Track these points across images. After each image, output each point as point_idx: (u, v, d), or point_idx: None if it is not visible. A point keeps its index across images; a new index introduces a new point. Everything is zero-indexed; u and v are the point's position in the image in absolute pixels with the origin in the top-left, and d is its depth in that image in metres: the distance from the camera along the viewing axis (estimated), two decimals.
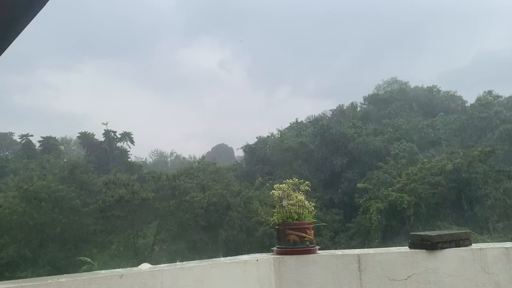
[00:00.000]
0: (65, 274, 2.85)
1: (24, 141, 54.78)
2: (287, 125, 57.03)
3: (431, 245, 3.55)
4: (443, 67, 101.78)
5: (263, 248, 25.63)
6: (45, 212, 31.10)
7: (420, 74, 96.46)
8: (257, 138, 51.24)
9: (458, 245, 3.63)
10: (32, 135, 54.32)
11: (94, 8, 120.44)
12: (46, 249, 30.29)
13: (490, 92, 47.72)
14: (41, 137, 54.00)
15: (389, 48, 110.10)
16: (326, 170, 41.74)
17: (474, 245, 3.72)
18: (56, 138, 57.86)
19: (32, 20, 2.64)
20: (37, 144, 54.21)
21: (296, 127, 56.02)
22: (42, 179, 33.72)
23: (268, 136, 51.89)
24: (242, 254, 4.15)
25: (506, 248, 3.62)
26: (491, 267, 3.56)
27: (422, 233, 3.69)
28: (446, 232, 3.74)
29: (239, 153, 59.33)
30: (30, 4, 2.48)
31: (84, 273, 2.97)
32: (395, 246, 4.01)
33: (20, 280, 2.71)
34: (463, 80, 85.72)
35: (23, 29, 2.72)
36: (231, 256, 3.86)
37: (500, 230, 27.12)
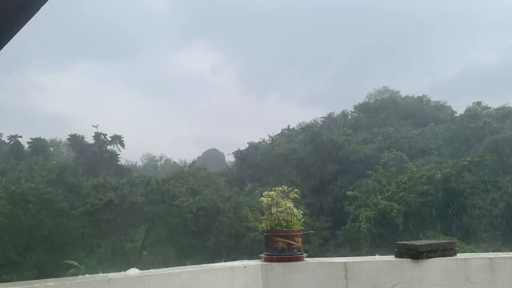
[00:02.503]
0: (52, 278, 2.85)
1: (12, 142, 54.19)
2: (277, 131, 57.14)
3: (416, 254, 3.60)
4: (432, 77, 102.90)
5: (252, 254, 25.58)
6: (32, 214, 30.75)
7: (410, 84, 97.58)
8: (248, 143, 51.30)
9: (443, 255, 3.68)
10: (21, 136, 53.79)
11: (85, 10, 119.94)
12: (32, 252, 29.91)
13: (479, 103, 48.29)
14: (30, 139, 53.53)
15: (379, 57, 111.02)
16: (317, 177, 41.85)
17: (458, 255, 3.78)
18: (46, 139, 57.34)
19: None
20: (26, 146, 53.70)
21: (288, 134, 56.15)
22: (30, 181, 33.39)
23: (259, 142, 51.96)
24: (231, 259, 4.17)
25: (489, 258, 3.68)
26: (475, 276, 3.62)
27: (408, 242, 3.74)
28: (431, 241, 3.80)
29: (230, 158, 59.29)
30: (25, 7, 2.50)
31: (72, 277, 2.97)
32: (384, 255, 4.06)
33: (6, 283, 2.70)
34: (452, 90, 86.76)
35: (17, 31, 2.73)
36: (220, 261, 3.88)
37: (487, 240, 27.37)
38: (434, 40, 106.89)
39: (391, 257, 3.77)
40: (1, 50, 2.90)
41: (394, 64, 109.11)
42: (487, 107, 47.64)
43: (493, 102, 56.34)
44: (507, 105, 45.63)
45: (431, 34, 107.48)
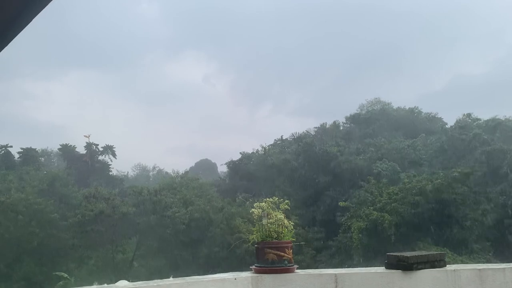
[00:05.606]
0: None
1: (2, 152, 53.59)
2: (269, 141, 57.25)
3: (407, 265, 3.61)
4: (424, 88, 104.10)
5: (244, 265, 25.41)
6: (22, 225, 30.39)
7: (402, 95, 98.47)
8: (241, 154, 51.27)
9: (433, 266, 3.70)
10: (11, 146, 53.23)
11: (78, 19, 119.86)
12: (21, 264, 29.49)
13: (469, 115, 48.80)
14: (21, 148, 53.01)
15: (371, 69, 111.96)
16: (309, 187, 41.87)
17: (448, 266, 3.80)
18: (37, 149, 56.82)
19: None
20: (17, 156, 53.16)
21: (280, 144, 56.26)
22: (20, 192, 33.04)
23: (252, 153, 51.96)
24: (223, 271, 4.16)
25: (478, 269, 3.71)
26: None
27: (398, 253, 3.76)
28: (422, 253, 3.82)
29: (222, 169, 59.20)
30: (18, 17, 2.52)
31: None
32: (376, 266, 4.06)
33: None
34: (443, 101, 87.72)
35: (11, 41, 2.74)
36: (211, 273, 3.87)
37: (478, 251, 27.45)
38: (426, 52, 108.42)
39: (381, 269, 3.78)
40: None
41: (386, 75, 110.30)
42: (477, 119, 48.16)
43: (483, 114, 56.85)
44: (496, 117, 46.19)
45: (423, 45, 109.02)
